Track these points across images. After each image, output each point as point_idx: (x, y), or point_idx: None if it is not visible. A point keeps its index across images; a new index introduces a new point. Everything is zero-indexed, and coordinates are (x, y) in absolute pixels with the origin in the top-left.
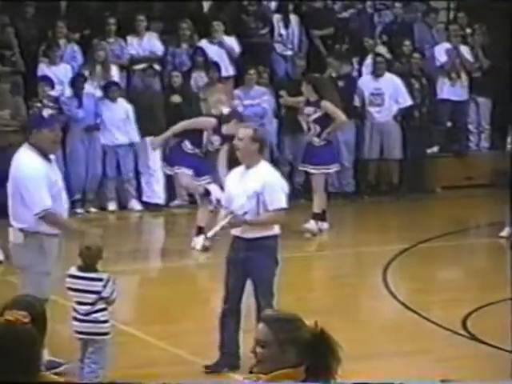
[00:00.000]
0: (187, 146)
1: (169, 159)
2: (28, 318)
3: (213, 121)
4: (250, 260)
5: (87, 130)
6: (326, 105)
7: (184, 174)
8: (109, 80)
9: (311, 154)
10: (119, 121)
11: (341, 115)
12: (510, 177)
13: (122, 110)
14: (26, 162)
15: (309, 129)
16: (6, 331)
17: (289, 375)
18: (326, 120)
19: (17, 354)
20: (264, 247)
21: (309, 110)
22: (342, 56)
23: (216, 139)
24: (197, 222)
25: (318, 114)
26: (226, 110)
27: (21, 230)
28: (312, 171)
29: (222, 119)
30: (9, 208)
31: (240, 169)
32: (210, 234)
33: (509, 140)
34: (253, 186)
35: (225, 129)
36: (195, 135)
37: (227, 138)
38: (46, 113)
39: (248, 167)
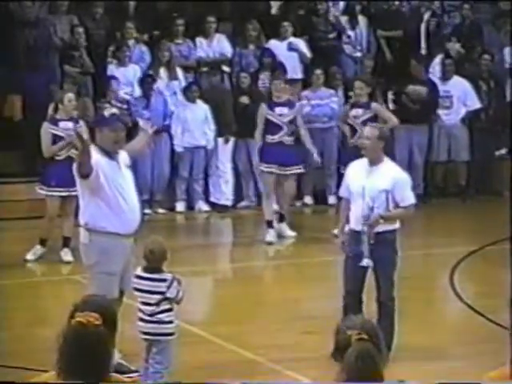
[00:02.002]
0: (269, 137)
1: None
2: (100, 319)
3: (263, 106)
4: (376, 252)
5: (155, 131)
6: (377, 107)
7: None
8: (190, 81)
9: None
10: (199, 122)
11: (393, 117)
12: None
13: (201, 111)
14: None
15: (354, 131)
16: (78, 333)
17: None
18: (374, 123)
19: (88, 357)
20: (388, 240)
21: (357, 111)
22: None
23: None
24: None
25: (368, 115)
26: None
27: (86, 229)
28: None
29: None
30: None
31: (361, 164)
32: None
33: None
34: (382, 183)
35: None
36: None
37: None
38: (108, 113)
39: (372, 164)
